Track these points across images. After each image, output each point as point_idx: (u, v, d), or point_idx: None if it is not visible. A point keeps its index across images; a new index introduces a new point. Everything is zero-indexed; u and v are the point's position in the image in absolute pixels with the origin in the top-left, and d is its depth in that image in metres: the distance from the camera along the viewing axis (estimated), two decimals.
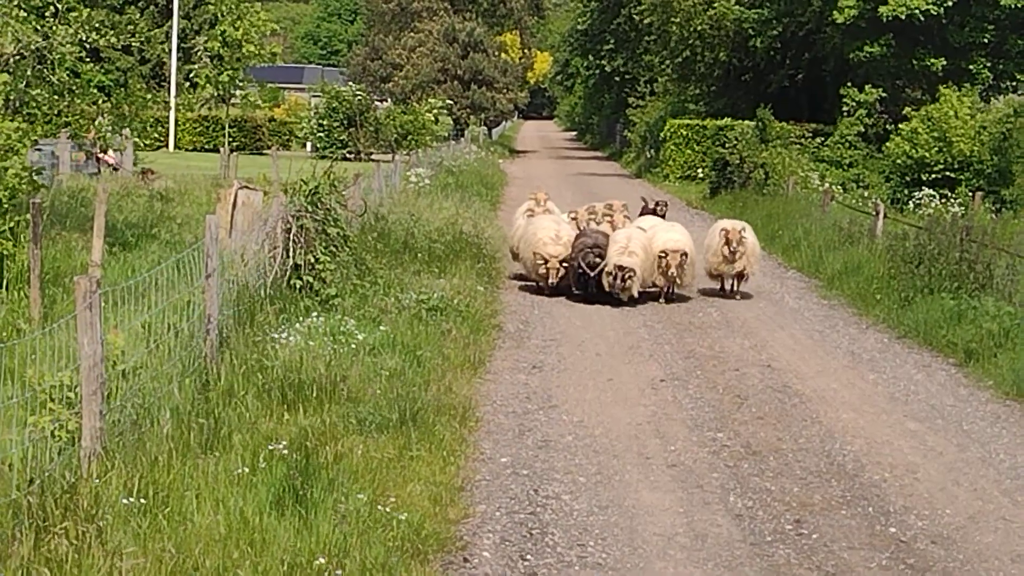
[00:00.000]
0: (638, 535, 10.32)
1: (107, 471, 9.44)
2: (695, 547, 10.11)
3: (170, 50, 70.54)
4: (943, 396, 15.97)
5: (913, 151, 42.34)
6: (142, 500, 9.11)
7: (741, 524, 10.75)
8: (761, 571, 9.67)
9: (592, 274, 21.51)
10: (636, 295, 21.71)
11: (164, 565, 8.35)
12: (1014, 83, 52.21)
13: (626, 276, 21.32)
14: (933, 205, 37.94)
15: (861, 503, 11.45)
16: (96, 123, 24.43)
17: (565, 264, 22.01)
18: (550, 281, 22.10)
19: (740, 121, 50.15)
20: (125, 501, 9.03)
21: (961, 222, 22.60)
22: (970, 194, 38.81)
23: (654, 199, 28.51)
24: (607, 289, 21.63)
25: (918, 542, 10.46)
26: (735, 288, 23.62)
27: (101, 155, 37.33)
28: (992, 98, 51.81)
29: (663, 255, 21.99)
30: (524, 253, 23.14)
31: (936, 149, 41.96)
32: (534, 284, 23.04)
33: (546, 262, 22.00)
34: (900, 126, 44.67)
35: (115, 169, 37.63)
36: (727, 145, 44.28)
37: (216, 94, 55.22)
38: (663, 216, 26.11)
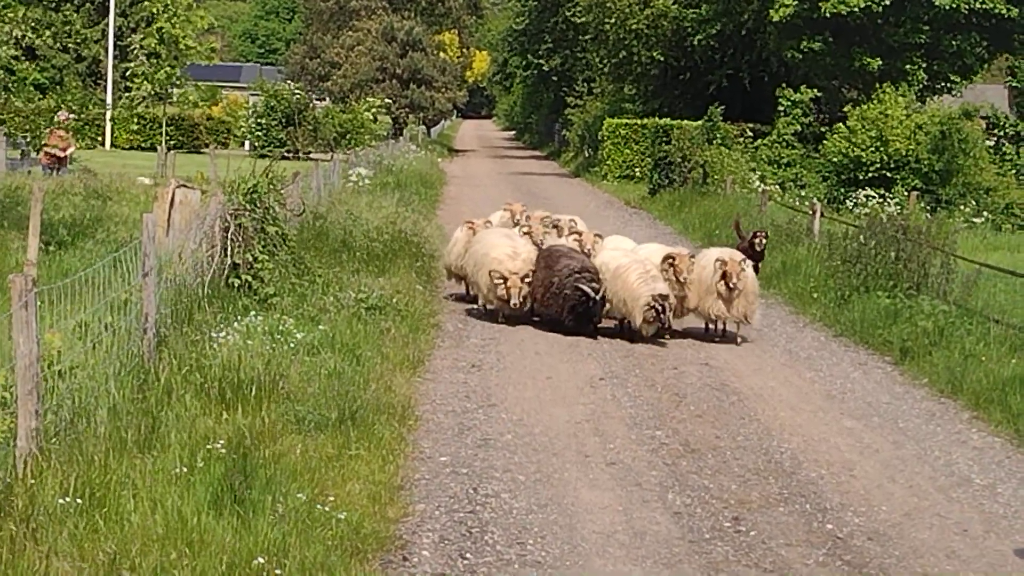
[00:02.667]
0: (577, 533, 10.34)
1: (43, 471, 9.34)
2: (634, 545, 10.14)
3: (106, 48, 70.07)
4: (879, 394, 16.10)
5: (850, 150, 42.62)
6: (78, 500, 9.03)
7: (680, 522, 10.79)
8: (700, 568, 9.72)
9: (597, 298, 18.48)
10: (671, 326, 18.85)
11: (101, 566, 8.29)
12: (948, 84, 52.58)
13: (667, 307, 18.19)
14: (870, 204, 38.20)
15: (799, 500, 11.53)
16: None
17: (528, 280, 19.18)
18: (512, 302, 19.06)
19: (680, 121, 50.36)
20: (61, 501, 8.95)
21: (896, 221, 22.73)
22: (906, 194, 39.13)
23: (752, 230, 24.11)
24: (637, 326, 18.42)
25: (855, 539, 10.54)
26: (734, 331, 19.42)
27: (56, 153, 36.91)
28: (927, 98, 52.20)
29: (669, 259, 19.10)
30: (476, 275, 20.01)
31: (872, 149, 42.25)
32: (481, 308, 20.44)
33: (505, 280, 19.06)
34: (837, 125, 44.97)
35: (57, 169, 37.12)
36: (670, 143, 44.45)
37: (153, 92, 54.89)
38: (761, 251, 22.76)
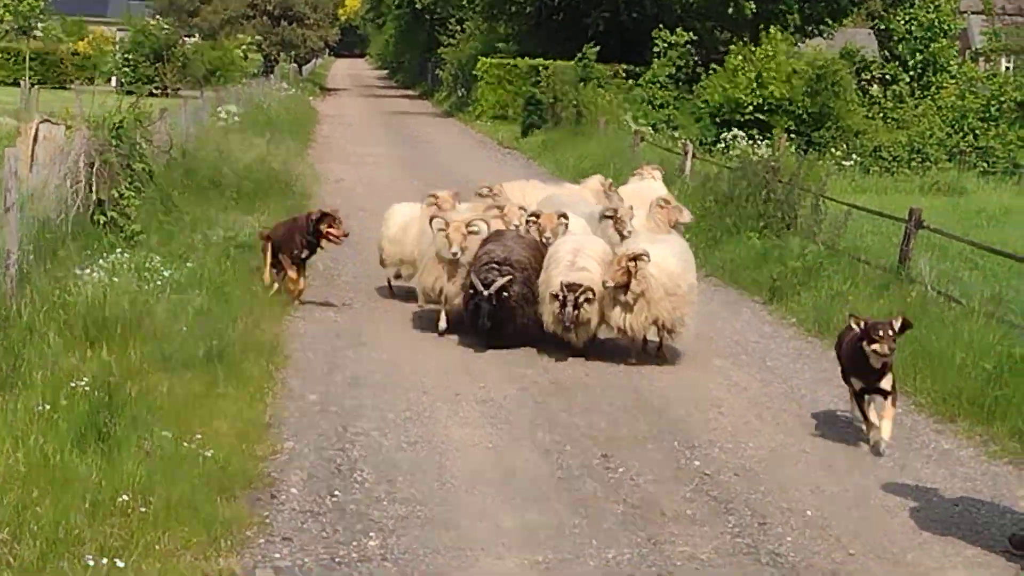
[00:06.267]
0: (447, 471, 10.34)
1: None
2: (504, 482, 10.16)
3: None
4: (748, 333, 16.26)
5: (731, 91, 42.81)
6: None
7: (549, 459, 10.83)
8: (568, 505, 9.75)
9: (486, 293, 14.31)
10: (594, 334, 14.72)
11: None
12: (821, 26, 53.05)
13: (579, 297, 13.96)
14: (741, 146, 38.46)
15: (667, 438, 11.61)
16: None
17: (474, 231, 15.17)
18: (452, 250, 14.75)
19: (554, 60, 50.20)
20: None
21: (767, 162, 22.90)
22: (779, 136, 39.46)
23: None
24: (548, 327, 14.43)
25: (721, 475, 10.63)
26: (655, 342, 14.85)
27: None
28: (800, 41, 52.62)
29: (533, 216, 15.83)
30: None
31: (750, 91, 42.51)
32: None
33: (447, 226, 14.96)
34: (715, 67, 45.14)
35: None
36: (539, 84, 44.40)
37: (16, 25, 53.75)
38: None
